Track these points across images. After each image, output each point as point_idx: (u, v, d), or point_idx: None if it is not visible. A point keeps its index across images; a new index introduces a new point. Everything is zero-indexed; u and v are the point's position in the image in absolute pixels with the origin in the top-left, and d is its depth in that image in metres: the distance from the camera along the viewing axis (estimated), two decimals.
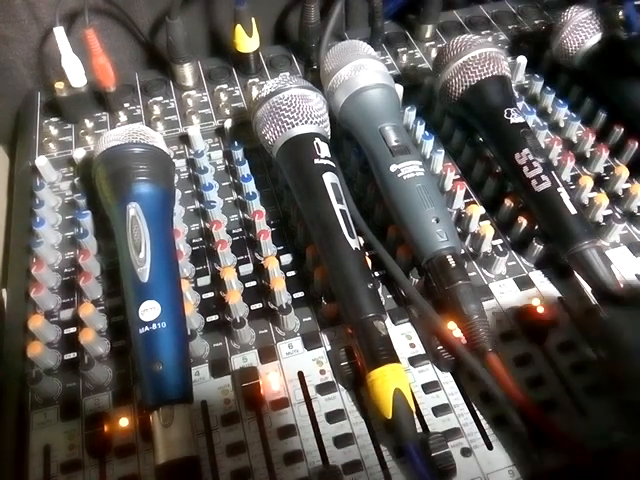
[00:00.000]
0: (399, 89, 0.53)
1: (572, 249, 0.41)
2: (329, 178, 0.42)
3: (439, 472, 0.33)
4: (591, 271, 0.40)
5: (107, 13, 0.60)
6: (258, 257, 0.45)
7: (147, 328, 0.35)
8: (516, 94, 0.55)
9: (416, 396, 0.37)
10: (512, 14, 0.68)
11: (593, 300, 0.42)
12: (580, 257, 0.41)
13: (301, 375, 0.39)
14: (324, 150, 0.44)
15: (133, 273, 0.37)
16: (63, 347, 0.41)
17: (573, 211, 0.41)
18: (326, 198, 0.41)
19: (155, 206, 0.41)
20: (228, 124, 0.54)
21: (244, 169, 0.50)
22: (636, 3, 0.47)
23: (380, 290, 0.41)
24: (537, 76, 0.57)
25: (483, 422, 0.36)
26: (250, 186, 0.48)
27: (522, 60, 0.58)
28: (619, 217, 0.44)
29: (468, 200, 0.49)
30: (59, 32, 0.52)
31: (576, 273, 0.43)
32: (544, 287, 0.43)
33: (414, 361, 0.39)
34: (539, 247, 0.43)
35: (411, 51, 0.64)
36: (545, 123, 0.54)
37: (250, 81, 0.60)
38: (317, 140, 0.44)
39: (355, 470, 0.34)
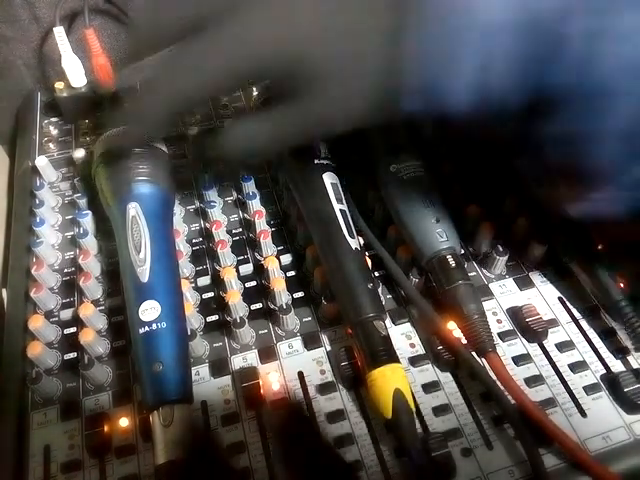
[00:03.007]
0: None
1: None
2: (329, 178, 0.42)
3: (439, 472, 0.33)
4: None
5: (107, 13, 0.60)
6: (258, 257, 0.45)
7: (147, 328, 0.35)
8: None
9: (416, 396, 0.37)
10: None
11: (593, 300, 0.42)
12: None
13: (301, 375, 0.39)
14: (324, 150, 0.44)
15: (133, 273, 0.37)
16: (63, 347, 0.41)
17: None
18: (326, 198, 0.41)
19: (155, 206, 0.41)
20: (228, 124, 0.54)
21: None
22: None
23: (380, 290, 0.41)
24: None
25: (483, 422, 0.36)
26: (250, 186, 0.48)
27: None
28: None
29: (468, 200, 0.49)
30: (59, 32, 0.52)
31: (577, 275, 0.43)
32: (544, 287, 0.43)
33: (414, 361, 0.39)
34: (539, 247, 0.43)
35: None
36: None
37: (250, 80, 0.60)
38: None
39: (355, 470, 0.34)
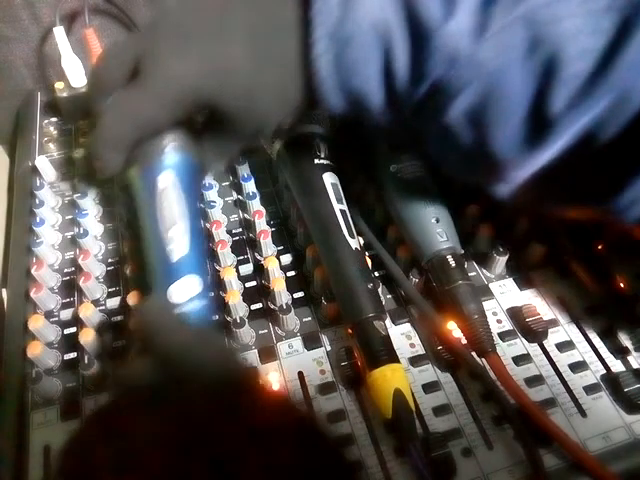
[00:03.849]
0: None
1: None
2: (329, 178, 0.42)
3: (439, 472, 0.33)
4: None
5: (107, 13, 0.60)
6: (258, 257, 0.45)
7: (181, 309, 0.33)
8: None
9: (416, 396, 0.37)
10: None
11: (593, 300, 0.42)
12: None
13: (301, 375, 0.39)
14: (324, 150, 0.44)
15: (162, 251, 0.34)
16: (63, 347, 0.41)
17: None
18: (326, 198, 0.41)
19: (188, 178, 0.36)
20: None
21: (244, 169, 0.50)
22: None
23: (380, 290, 0.41)
24: None
25: (483, 422, 0.36)
26: (250, 186, 0.48)
27: None
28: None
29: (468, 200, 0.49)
30: (59, 32, 0.52)
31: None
32: (544, 287, 0.43)
33: (414, 361, 0.39)
34: (539, 247, 0.43)
35: None
36: None
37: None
38: (317, 140, 0.44)
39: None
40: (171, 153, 0.36)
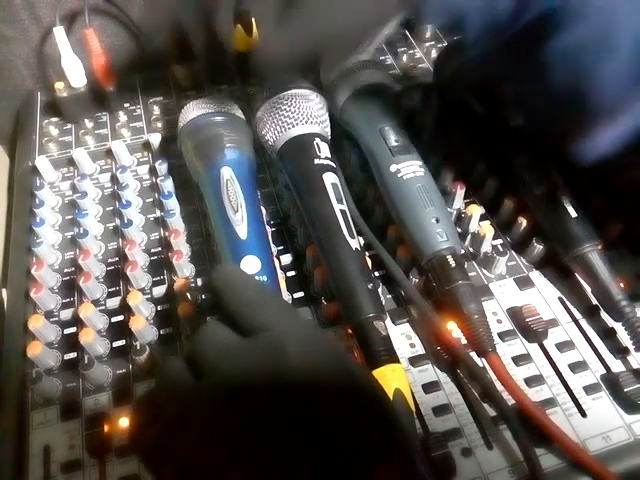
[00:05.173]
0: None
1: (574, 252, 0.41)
2: (329, 178, 0.42)
3: (439, 472, 0.33)
4: (592, 273, 0.40)
5: (107, 13, 0.60)
6: None
7: None
8: None
9: (416, 396, 0.37)
10: None
11: (593, 300, 0.42)
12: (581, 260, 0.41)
13: None
14: (324, 150, 0.44)
15: (232, 231, 0.39)
16: (63, 347, 0.41)
17: (574, 214, 0.41)
18: (326, 198, 0.41)
19: (245, 169, 0.43)
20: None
21: None
22: None
23: (380, 290, 0.41)
24: None
25: (483, 422, 0.36)
26: None
27: None
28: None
29: (468, 200, 0.49)
30: (59, 32, 0.52)
31: (577, 275, 0.43)
32: (544, 287, 0.43)
33: (414, 361, 0.39)
34: (539, 247, 0.43)
35: (411, 51, 0.64)
36: None
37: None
38: (317, 140, 0.44)
39: None
40: (228, 152, 0.43)
